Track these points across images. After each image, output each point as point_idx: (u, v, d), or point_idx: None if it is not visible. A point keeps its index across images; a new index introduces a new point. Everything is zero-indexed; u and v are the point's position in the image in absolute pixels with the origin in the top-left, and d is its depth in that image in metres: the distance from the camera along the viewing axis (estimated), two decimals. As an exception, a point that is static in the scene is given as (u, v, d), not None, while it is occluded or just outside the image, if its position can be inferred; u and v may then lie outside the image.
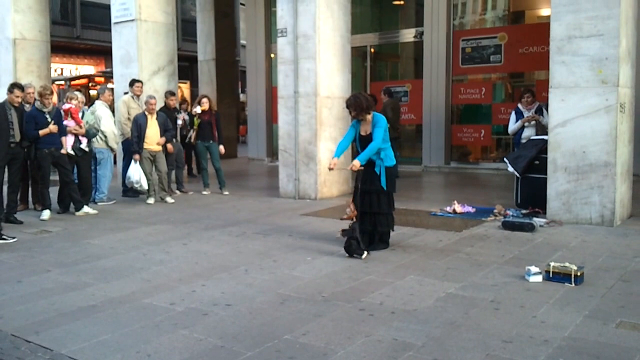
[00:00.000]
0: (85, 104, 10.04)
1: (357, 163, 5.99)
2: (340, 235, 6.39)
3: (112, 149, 9.44)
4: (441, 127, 13.45)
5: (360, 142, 6.24)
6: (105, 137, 9.28)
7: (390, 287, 4.88)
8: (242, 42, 21.51)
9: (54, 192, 8.67)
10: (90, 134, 8.89)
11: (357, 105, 6.11)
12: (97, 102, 9.71)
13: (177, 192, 10.51)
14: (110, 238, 7.03)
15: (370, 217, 6.16)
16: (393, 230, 6.39)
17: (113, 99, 10.46)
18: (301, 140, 9.49)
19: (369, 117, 6.17)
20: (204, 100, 10.41)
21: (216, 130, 10.35)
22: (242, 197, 10.02)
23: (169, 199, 9.60)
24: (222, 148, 10.44)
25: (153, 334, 3.97)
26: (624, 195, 7.35)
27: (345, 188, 9.91)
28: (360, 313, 4.30)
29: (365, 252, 5.89)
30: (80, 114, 8.77)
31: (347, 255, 5.89)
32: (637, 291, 4.70)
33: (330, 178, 9.62)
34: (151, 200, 9.51)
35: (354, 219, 5.96)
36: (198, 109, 10.28)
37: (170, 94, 10.61)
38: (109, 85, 12.09)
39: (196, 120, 10.34)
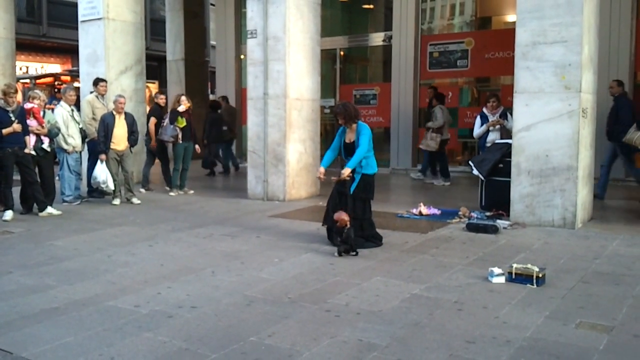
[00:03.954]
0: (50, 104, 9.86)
1: (347, 170, 6.17)
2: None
3: (65, 150, 9.22)
4: (409, 130, 13.60)
5: (344, 150, 6.45)
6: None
7: (356, 289, 4.92)
8: (212, 42, 21.37)
9: (16, 193, 8.50)
10: (52, 134, 8.72)
11: (346, 114, 6.32)
12: (61, 102, 9.54)
13: (142, 190, 10.41)
14: (74, 239, 6.92)
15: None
16: (364, 239, 6.34)
17: (78, 99, 10.26)
18: (270, 142, 9.48)
19: (354, 125, 6.36)
20: (183, 98, 10.33)
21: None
22: (210, 198, 9.97)
23: (135, 200, 9.48)
24: (198, 148, 10.43)
25: (117, 336, 3.93)
26: (585, 198, 7.51)
27: (313, 190, 9.93)
28: (326, 314, 4.32)
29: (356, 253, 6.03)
30: (41, 113, 8.61)
31: (339, 254, 5.97)
32: (597, 292, 4.82)
33: (299, 180, 9.63)
34: (117, 201, 9.39)
35: (347, 225, 5.98)
36: (182, 108, 10.17)
37: (159, 93, 10.46)
38: (75, 84, 11.89)
39: (181, 120, 10.19)
